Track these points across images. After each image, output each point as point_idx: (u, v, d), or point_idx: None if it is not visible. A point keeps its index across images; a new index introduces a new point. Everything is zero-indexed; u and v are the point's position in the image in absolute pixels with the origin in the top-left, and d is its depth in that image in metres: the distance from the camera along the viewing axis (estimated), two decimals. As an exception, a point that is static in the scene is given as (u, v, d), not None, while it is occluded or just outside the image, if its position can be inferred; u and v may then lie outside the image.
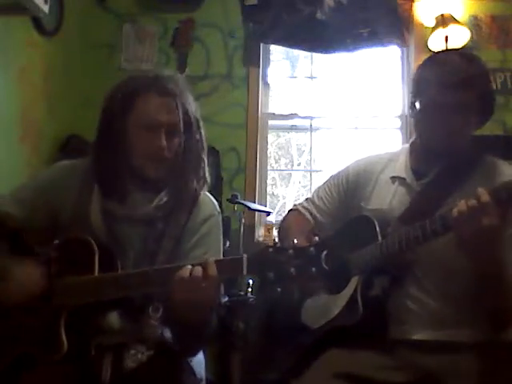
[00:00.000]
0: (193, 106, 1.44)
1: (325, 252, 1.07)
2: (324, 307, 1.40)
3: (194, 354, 1.40)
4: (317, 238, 1.09)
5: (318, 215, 1.56)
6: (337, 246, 1.38)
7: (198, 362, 1.44)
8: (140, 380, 1.28)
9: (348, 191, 1.53)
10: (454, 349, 1.26)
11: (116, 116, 1.38)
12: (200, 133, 1.46)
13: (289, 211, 1.68)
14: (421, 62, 1.43)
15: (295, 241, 1.10)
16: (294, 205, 1.67)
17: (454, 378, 1.23)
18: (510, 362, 1.24)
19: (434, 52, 3.10)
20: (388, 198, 1.41)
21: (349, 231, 1.45)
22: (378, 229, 1.33)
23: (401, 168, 1.45)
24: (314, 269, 1.07)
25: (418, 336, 1.29)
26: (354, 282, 1.36)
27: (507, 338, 1.28)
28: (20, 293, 1.27)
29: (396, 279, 1.31)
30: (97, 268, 1.27)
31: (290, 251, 1.08)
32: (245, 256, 1.13)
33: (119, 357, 1.30)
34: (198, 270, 1.16)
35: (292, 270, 1.07)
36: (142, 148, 1.38)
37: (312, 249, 1.08)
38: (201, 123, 1.47)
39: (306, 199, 1.63)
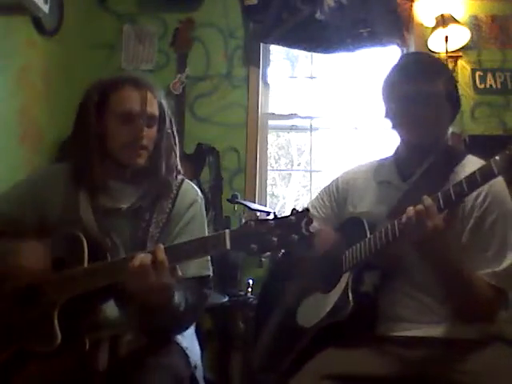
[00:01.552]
0: (165, 103, 1.54)
1: (305, 220, 1.09)
2: (317, 307, 1.43)
3: (173, 332, 1.43)
4: (296, 207, 1.12)
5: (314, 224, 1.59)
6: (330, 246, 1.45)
7: (191, 348, 1.48)
8: (135, 365, 1.30)
9: (339, 199, 1.58)
10: (446, 345, 1.28)
11: (91, 110, 1.46)
12: (172, 129, 1.55)
13: None
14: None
15: (275, 212, 1.14)
16: None
17: (446, 374, 1.24)
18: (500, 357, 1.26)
19: (433, 52, 3.12)
20: (376, 201, 1.46)
21: (342, 233, 1.49)
22: (366, 227, 1.38)
23: (387, 172, 1.50)
24: (295, 236, 1.09)
25: (411, 331, 1.31)
26: (344, 278, 1.39)
27: (498, 334, 1.31)
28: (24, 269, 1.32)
29: (386, 275, 1.34)
30: (86, 262, 1.31)
31: (271, 222, 1.10)
32: (227, 231, 1.14)
33: (115, 345, 1.34)
34: (147, 258, 1.19)
35: (274, 239, 1.09)
36: (122, 137, 1.45)
37: (292, 217, 1.10)
38: (173, 121, 1.57)
39: None
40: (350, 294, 1.33)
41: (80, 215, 1.43)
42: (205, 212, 1.58)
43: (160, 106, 1.50)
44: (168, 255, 1.21)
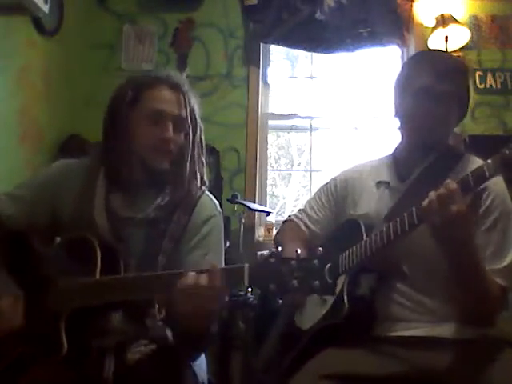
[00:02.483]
0: (198, 109, 1.47)
1: (328, 265, 1.04)
2: (313, 309, 1.42)
3: (193, 358, 1.37)
4: (321, 249, 1.07)
5: (310, 225, 1.59)
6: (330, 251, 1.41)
7: (200, 364, 1.43)
8: (142, 377, 1.27)
9: (337, 199, 1.57)
10: (446, 345, 1.28)
11: (123, 106, 1.40)
12: (201, 136, 1.48)
13: (283, 222, 1.71)
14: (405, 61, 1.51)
15: (298, 250, 1.07)
16: (289, 216, 1.70)
17: (446, 375, 1.24)
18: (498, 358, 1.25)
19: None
20: (374, 203, 1.45)
21: (338, 236, 1.48)
22: (363, 230, 1.37)
23: (385, 173, 1.49)
24: (316, 282, 1.03)
25: (409, 331, 1.31)
26: (340, 281, 1.38)
27: (495, 334, 1.30)
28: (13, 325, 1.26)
29: (383, 277, 1.33)
30: (99, 268, 1.26)
31: (293, 262, 1.05)
32: (246, 266, 1.08)
33: (121, 353, 1.29)
34: (204, 278, 1.11)
35: (294, 282, 1.03)
36: (148, 139, 1.39)
37: (316, 261, 1.04)
38: (202, 127, 1.49)
39: (299, 210, 1.66)
40: (346, 297, 1.31)
41: (94, 219, 1.37)
42: (223, 227, 1.50)
43: (192, 111, 1.44)
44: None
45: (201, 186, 1.49)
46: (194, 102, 1.46)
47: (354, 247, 1.35)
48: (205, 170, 1.50)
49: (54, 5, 2.74)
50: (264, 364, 1.53)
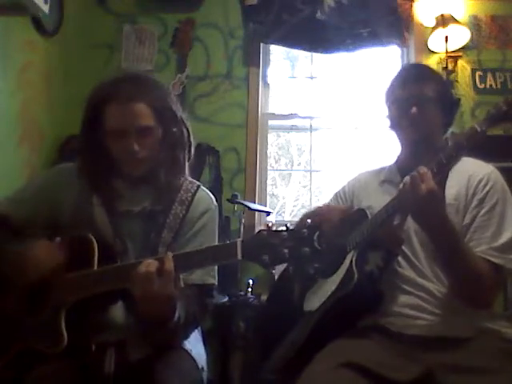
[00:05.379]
0: (165, 101, 1.46)
1: (317, 233, 1.10)
2: (323, 290, 1.48)
3: (172, 343, 1.40)
4: (309, 221, 1.14)
5: None
6: (334, 234, 1.49)
7: (199, 353, 1.47)
8: (142, 370, 1.29)
9: (347, 202, 1.69)
10: (448, 343, 1.31)
11: (90, 125, 1.46)
12: (176, 124, 1.49)
13: None
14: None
15: (288, 224, 1.16)
16: None
17: (452, 373, 1.25)
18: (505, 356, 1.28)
19: (433, 52, 3.15)
20: (378, 198, 1.54)
21: (345, 225, 1.55)
22: (368, 213, 1.47)
23: (388, 173, 1.63)
24: (307, 249, 1.10)
25: (414, 328, 1.35)
26: (348, 258, 1.45)
27: (497, 333, 1.34)
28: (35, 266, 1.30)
29: (389, 258, 1.41)
30: (96, 265, 1.30)
31: (284, 233, 1.12)
32: (239, 240, 1.15)
33: (122, 350, 1.32)
34: (153, 265, 1.18)
35: (285, 251, 1.10)
36: (117, 153, 1.45)
37: (305, 230, 1.11)
38: (178, 114, 1.50)
39: None
40: (355, 268, 1.38)
41: (94, 217, 1.42)
42: (217, 220, 1.56)
43: (156, 109, 1.42)
44: (176, 263, 1.19)
45: (180, 174, 1.52)
46: (159, 98, 1.44)
47: (360, 226, 1.46)
48: (185, 158, 1.54)
49: (54, 5, 2.74)
50: (279, 364, 1.54)
